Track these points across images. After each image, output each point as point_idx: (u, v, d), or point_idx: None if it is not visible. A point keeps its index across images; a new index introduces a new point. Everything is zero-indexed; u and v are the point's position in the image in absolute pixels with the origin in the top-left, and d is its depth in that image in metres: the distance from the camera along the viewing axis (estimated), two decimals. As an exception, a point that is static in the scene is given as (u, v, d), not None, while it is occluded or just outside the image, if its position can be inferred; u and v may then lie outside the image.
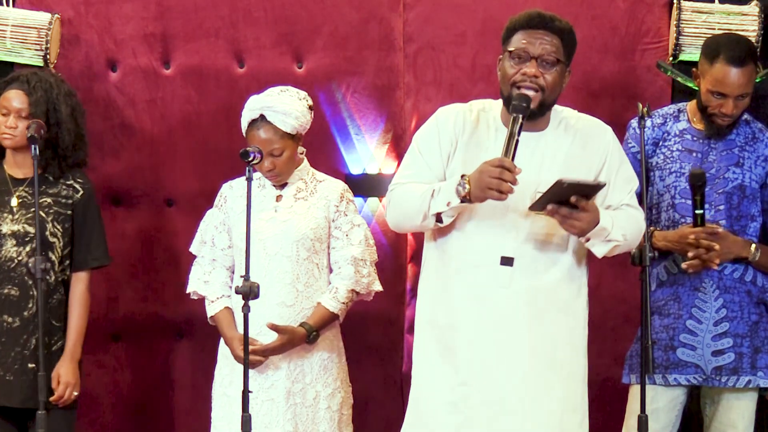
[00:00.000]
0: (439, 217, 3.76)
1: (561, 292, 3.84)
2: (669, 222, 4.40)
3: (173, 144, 5.15)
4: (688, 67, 4.76)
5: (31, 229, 4.51)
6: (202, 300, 4.49)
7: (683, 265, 4.27)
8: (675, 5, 4.92)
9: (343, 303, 4.42)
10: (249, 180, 3.99)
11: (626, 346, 4.52)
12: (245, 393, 3.87)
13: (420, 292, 3.95)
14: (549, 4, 5.03)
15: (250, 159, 4.04)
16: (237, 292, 3.95)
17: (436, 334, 3.85)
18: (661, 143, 4.44)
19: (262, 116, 4.35)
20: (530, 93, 3.76)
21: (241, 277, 3.95)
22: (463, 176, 3.70)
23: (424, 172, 3.86)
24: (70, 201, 4.61)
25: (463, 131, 3.87)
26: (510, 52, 3.80)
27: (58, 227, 4.58)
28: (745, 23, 4.82)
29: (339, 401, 4.44)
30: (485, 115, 3.90)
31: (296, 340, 4.33)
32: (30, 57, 5.00)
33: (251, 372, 4.29)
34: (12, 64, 5.07)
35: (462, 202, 3.71)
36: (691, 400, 4.46)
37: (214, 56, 5.13)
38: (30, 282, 4.49)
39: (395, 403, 5.07)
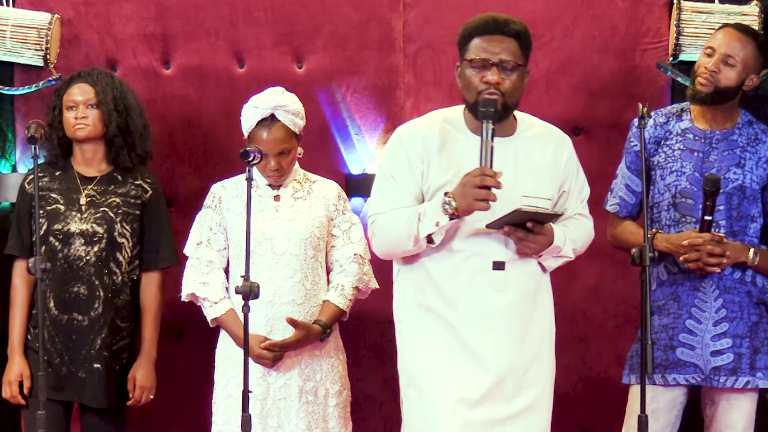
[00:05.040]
0: (430, 239, 3.79)
1: (541, 290, 3.92)
2: (670, 221, 4.39)
3: (173, 144, 5.14)
4: (688, 67, 4.76)
5: (100, 229, 4.51)
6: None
7: (681, 258, 4.27)
8: (675, 5, 4.92)
9: (350, 300, 4.45)
10: (249, 180, 3.99)
11: (626, 346, 4.52)
12: (245, 393, 3.88)
13: (399, 302, 3.95)
14: (549, 4, 5.06)
15: (250, 159, 4.03)
16: (237, 292, 3.94)
17: (433, 317, 3.86)
18: (663, 142, 4.44)
19: (273, 116, 4.34)
20: (494, 97, 3.78)
21: (241, 277, 3.95)
22: (446, 194, 3.73)
23: (401, 197, 3.87)
24: (139, 201, 4.61)
25: (432, 145, 3.87)
26: (470, 60, 3.82)
27: (127, 227, 4.57)
28: (745, 23, 4.82)
29: (344, 398, 4.48)
30: (448, 124, 3.91)
31: (312, 336, 4.36)
32: (30, 57, 5.00)
33: (263, 371, 4.33)
34: (12, 64, 5.07)
35: (450, 219, 3.74)
36: (691, 400, 4.46)
37: (214, 56, 5.13)
38: (97, 282, 4.50)
39: (395, 403, 5.06)
